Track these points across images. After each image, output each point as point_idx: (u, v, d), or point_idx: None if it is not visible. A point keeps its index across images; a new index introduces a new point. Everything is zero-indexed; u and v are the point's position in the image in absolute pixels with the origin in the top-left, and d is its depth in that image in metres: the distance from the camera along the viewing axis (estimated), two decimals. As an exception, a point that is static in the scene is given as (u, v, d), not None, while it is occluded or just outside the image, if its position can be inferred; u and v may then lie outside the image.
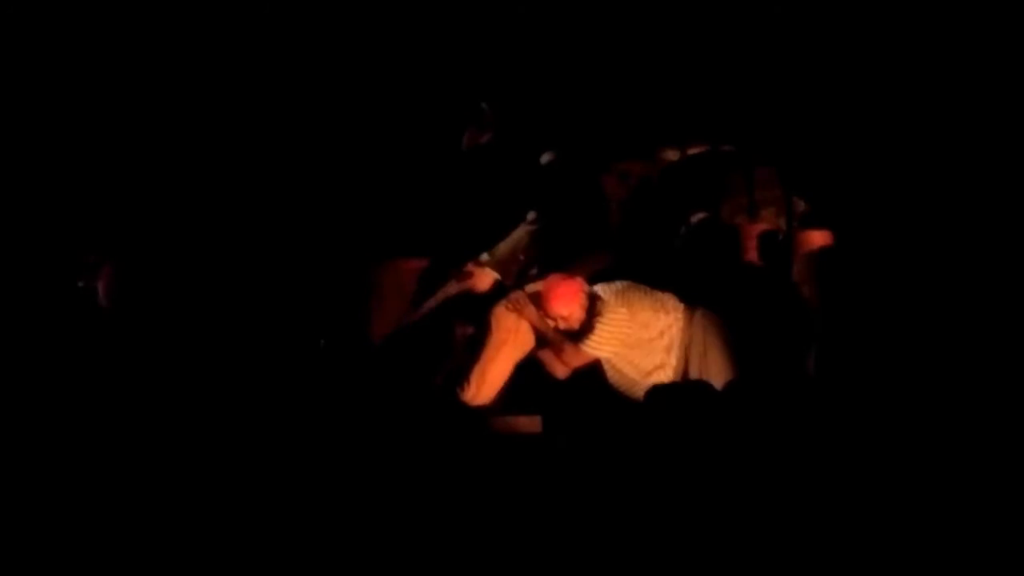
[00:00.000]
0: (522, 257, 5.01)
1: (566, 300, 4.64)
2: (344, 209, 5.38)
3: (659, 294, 4.70)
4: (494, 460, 4.09)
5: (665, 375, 4.60)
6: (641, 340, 4.62)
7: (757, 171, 5.16)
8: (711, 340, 4.60)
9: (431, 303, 4.86)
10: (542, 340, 4.70)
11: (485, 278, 4.92)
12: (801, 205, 4.99)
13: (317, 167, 5.47)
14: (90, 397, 4.43)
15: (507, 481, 3.91)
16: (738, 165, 5.23)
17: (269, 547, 3.72)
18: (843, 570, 3.38)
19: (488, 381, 4.68)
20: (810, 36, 5.13)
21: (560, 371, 4.70)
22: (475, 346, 4.74)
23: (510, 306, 4.71)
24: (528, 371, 4.74)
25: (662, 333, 4.63)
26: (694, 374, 4.56)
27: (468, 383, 4.68)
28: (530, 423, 4.53)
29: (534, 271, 5.01)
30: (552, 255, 5.01)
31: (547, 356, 4.73)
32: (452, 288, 4.88)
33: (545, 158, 5.31)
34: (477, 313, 4.84)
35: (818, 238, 4.77)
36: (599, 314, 4.63)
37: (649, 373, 4.61)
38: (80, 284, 4.96)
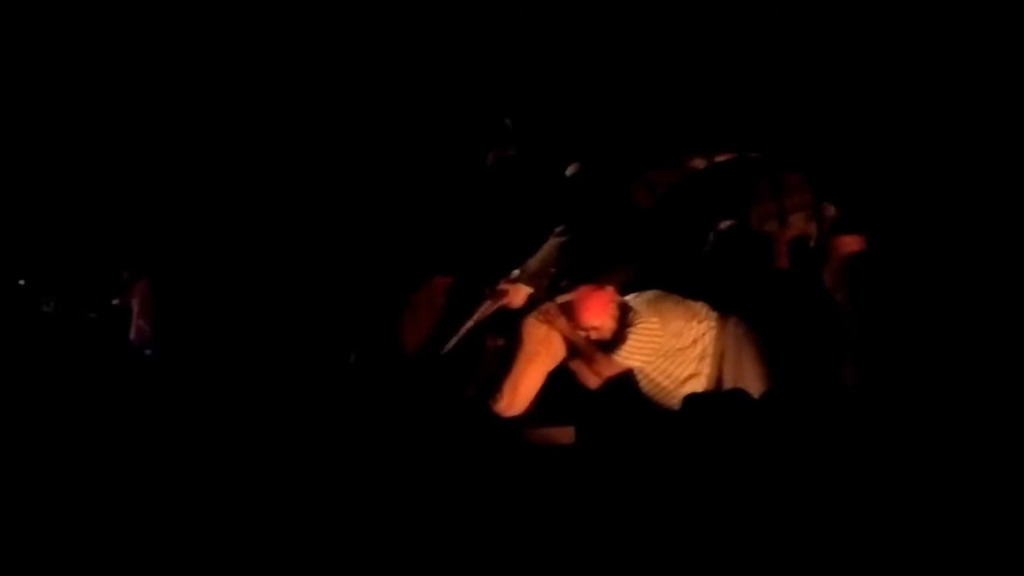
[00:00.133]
0: (553, 270, 5.00)
1: (597, 310, 4.63)
2: (376, 226, 5.40)
3: (691, 303, 4.68)
4: (528, 471, 4.08)
5: (699, 384, 4.58)
6: (674, 349, 4.60)
7: (786, 177, 5.13)
8: (745, 349, 4.57)
9: (468, 324, 4.84)
10: (574, 351, 4.70)
11: (519, 294, 4.90)
12: (832, 210, 4.96)
13: (348, 185, 5.49)
14: (126, 410, 4.46)
15: (542, 492, 3.90)
16: (766, 171, 5.20)
17: (301, 554, 3.73)
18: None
19: (520, 393, 4.66)
20: (838, 37, 5.11)
21: (592, 382, 4.69)
22: (506, 358, 4.73)
23: (541, 317, 4.70)
24: (560, 382, 4.74)
25: (695, 342, 4.61)
26: (728, 383, 4.53)
27: (500, 395, 4.66)
28: (563, 434, 4.53)
29: (564, 283, 5.00)
30: (582, 266, 5.00)
31: (579, 367, 4.71)
32: (488, 308, 4.87)
33: (570, 170, 5.31)
34: (508, 325, 4.84)
35: (851, 243, 4.74)
36: (631, 324, 4.61)
37: (683, 382, 4.58)
38: (115, 302, 5.00)
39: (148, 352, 5.42)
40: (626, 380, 4.64)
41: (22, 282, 5.80)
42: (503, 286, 4.92)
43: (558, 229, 5.16)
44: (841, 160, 5.04)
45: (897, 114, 5.00)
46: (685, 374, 4.61)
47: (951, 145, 4.86)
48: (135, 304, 5.49)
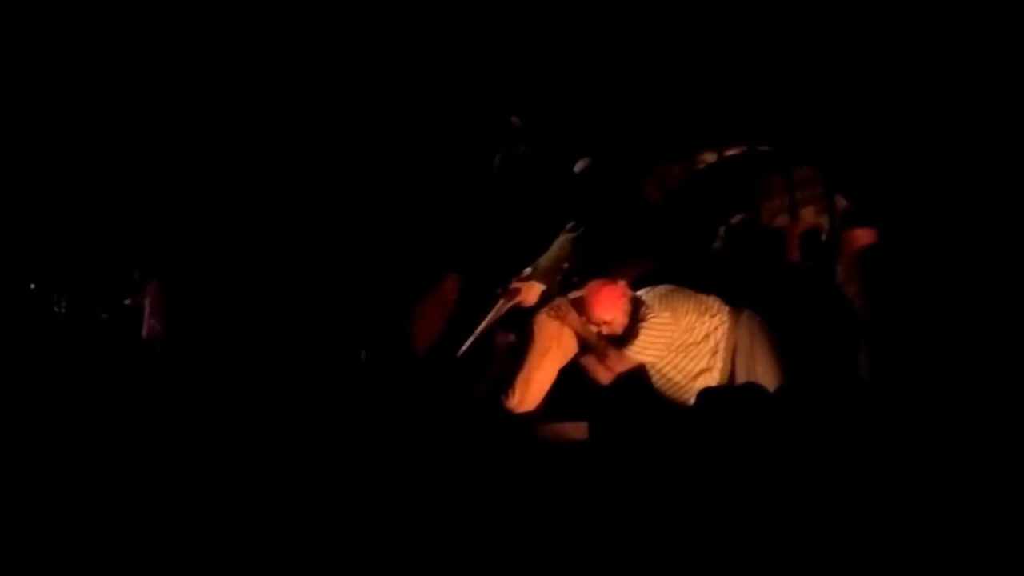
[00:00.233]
0: (565, 266, 4.99)
1: (608, 305, 4.62)
2: (386, 224, 5.40)
3: (703, 297, 4.66)
4: (541, 468, 4.07)
5: (712, 378, 4.56)
6: (686, 344, 4.59)
7: (796, 170, 5.12)
8: (758, 342, 4.56)
9: (483, 325, 4.83)
10: (585, 346, 4.69)
11: (533, 292, 4.88)
12: (843, 203, 4.94)
13: (359, 184, 5.49)
14: (139, 408, 4.47)
15: (555, 488, 3.90)
16: (777, 165, 5.20)
17: (314, 551, 3.74)
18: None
19: (532, 388, 4.66)
20: (849, 30, 5.08)
21: (604, 377, 4.67)
22: (518, 354, 4.72)
23: (552, 313, 4.69)
24: (572, 378, 4.73)
25: (707, 336, 4.59)
26: (741, 377, 4.52)
27: (512, 391, 4.66)
28: (576, 429, 4.51)
29: (576, 278, 4.99)
30: (593, 261, 4.99)
31: (591, 362, 4.70)
32: (502, 308, 4.85)
33: (580, 166, 5.30)
34: (519, 321, 4.83)
35: (862, 236, 4.73)
36: (642, 319, 4.60)
37: (695, 377, 4.57)
38: (127, 302, 5.01)
39: (160, 351, 5.43)
40: (638, 375, 4.63)
41: (33, 286, 5.82)
42: (515, 284, 4.90)
43: (569, 225, 5.14)
44: (852, 153, 5.02)
45: (907, 107, 4.98)
46: (697, 369, 4.60)
47: (962, 138, 4.83)
48: (147, 304, 5.50)
